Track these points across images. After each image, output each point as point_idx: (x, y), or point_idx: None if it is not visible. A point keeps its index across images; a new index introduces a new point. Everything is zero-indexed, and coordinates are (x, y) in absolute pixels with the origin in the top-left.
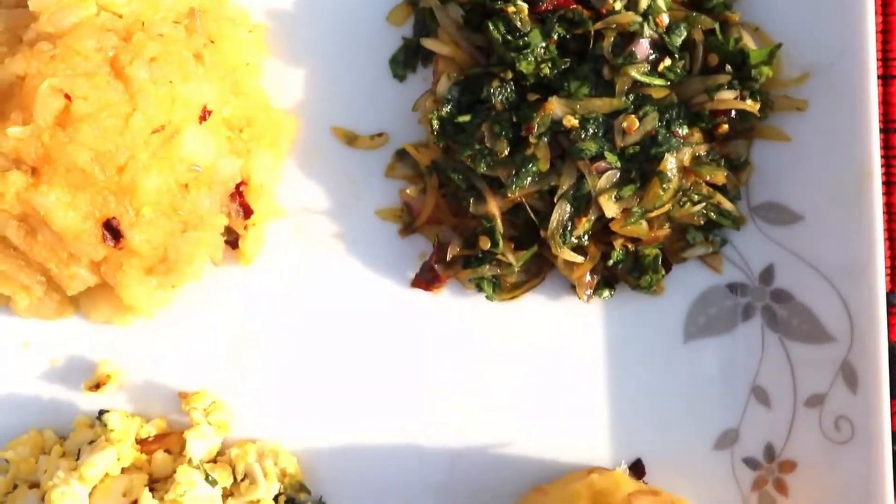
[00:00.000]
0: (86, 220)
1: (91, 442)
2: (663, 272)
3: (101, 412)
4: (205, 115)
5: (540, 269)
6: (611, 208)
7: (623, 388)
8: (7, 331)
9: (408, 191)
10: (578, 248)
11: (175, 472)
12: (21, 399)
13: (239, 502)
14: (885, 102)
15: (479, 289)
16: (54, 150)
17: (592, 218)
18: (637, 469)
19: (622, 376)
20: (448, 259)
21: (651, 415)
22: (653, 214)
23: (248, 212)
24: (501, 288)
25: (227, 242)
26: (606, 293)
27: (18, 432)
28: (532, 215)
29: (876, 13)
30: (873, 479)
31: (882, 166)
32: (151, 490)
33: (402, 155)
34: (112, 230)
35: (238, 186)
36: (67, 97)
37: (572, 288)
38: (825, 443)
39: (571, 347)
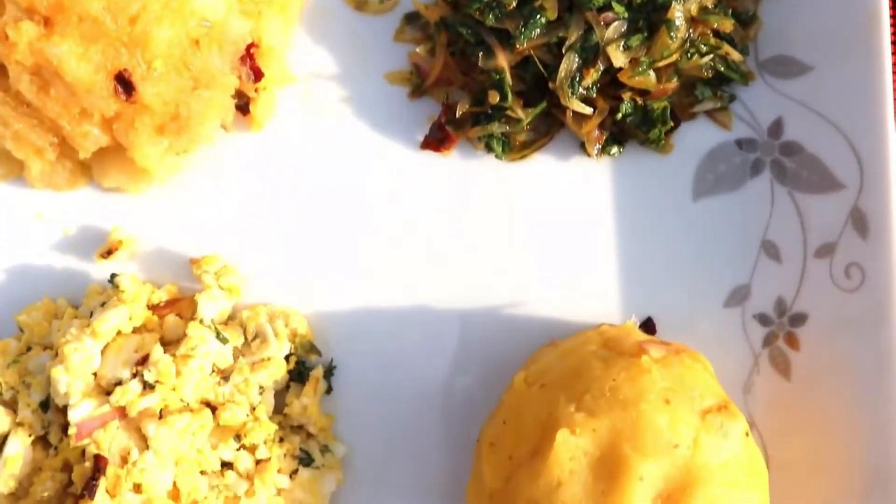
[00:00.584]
0: (98, 71)
1: (103, 304)
2: (672, 124)
3: (113, 275)
4: None
5: (549, 129)
6: (619, 58)
7: (633, 246)
8: (20, 202)
9: (417, 50)
10: (587, 102)
11: (187, 332)
12: (34, 269)
13: (250, 360)
14: None
15: (489, 149)
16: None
17: (601, 68)
18: (648, 327)
19: (632, 235)
20: (458, 116)
21: (661, 273)
22: (661, 64)
23: (258, 75)
24: (511, 147)
25: (237, 108)
26: (615, 149)
27: (32, 301)
28: (541, 68)
29: None
30: (884, 322)
31: (890, 9)
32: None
33: (410, 18)
34: (124, 83)
35: (248, 48)
36: None
37: (581, 147)
38: (836, 292)
39: (581, 207)
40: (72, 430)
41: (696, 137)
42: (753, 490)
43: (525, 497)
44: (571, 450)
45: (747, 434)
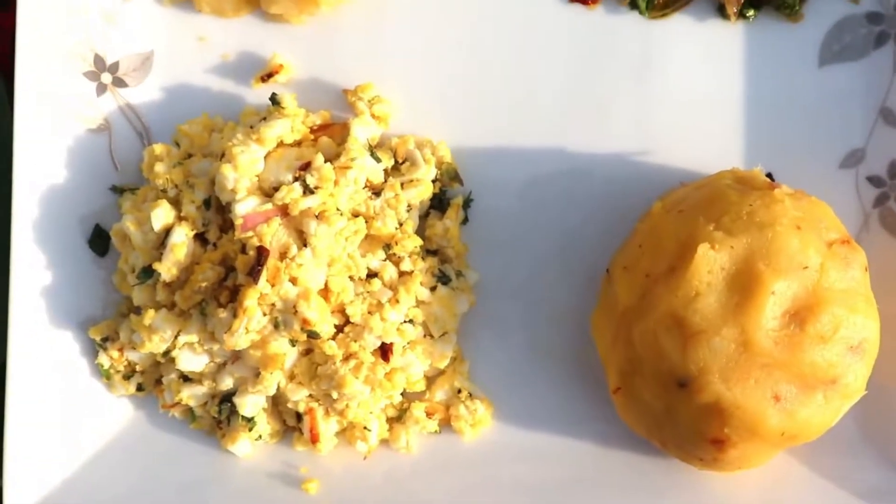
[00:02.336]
0: None
1: (263, 119)
2: None
3: (274, 94)
4: None
5: None
6: None
7: (758, 106)
8: (184, 26)
9: None
10: None
11: (339, 153)
12: (193, 90)
13: (399, 180)
14: None
15: (633, 6)
16: None
17: None
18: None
19: (758, 95)
20: None
21: (783, 133)
22: None
23: None
24: (654, 5)
25: None
26: (752, 13)
27: (190, 117)
28: None
29: None
30: None
31: None
32: None
33: None
34: None
35: None
36: None
37: (718, 10)
38: None
39: (713, 66)
40: (238, 222)
41: (826, 8)
42: (870, 318)
43: (663, 307)
44: (710, 263)
45: (866, 269)
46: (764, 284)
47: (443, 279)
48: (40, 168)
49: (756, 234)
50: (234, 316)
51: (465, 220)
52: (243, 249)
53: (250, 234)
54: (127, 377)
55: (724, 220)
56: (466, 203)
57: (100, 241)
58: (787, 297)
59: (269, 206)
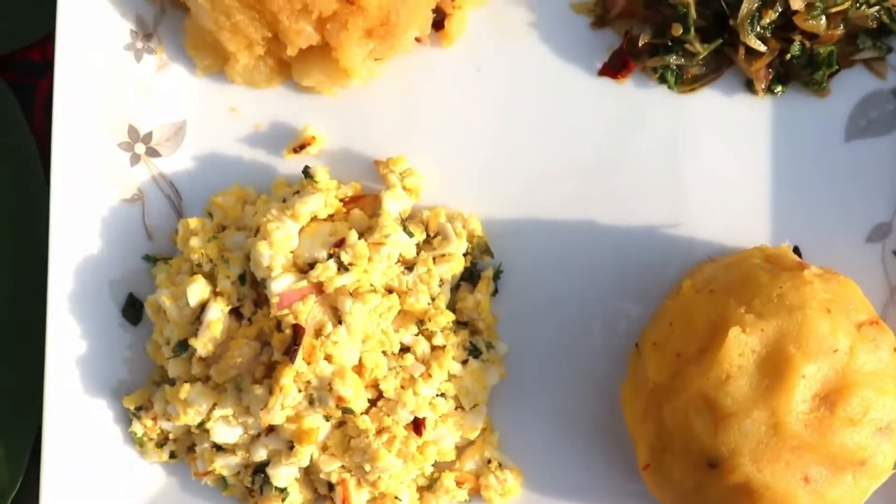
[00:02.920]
0: None
1: (296, 193)
2: (836, 68)
3: (307, 167)
4: None
5: (719, 65)
6: (797, 1)
7: (786, 180)
8: (217, 96)
9: None
10: (762, 40)
11: (371, 226)
12: (225, 159)
13: (431, 254)
14: None
15: (662, 80)
16: None
17: (779, 10)
18: (795, 254)
19: (785, 169)
20: (639, 47)
21: (810, 206)
22: (833, 10)
23: None
24: (683, 80)
25: (433, 23)
26: (779, 88)
27: (222, 188)
28: (724, 5)
29: None
30: None
31: None
32: None
33: None
34: None
35: None
36: None
37: (747, 86)
38: None
39: (740, 140)
40: (273, 300)
41: (852, 83)
42: None
43: (694, 388)
44: (741, 346)
45: (895, 349)
46: (794, 368)
47: (474, 352)
48: (75, 237)
49: (786, 317)
50: (270, 393)
51: (496, 292)
52: (279, 326)
53: (286, 311)
54: (160, 444)
55: (755, 303)
56: (496, 275)
57: (133, 310)
58: (818, 380)
59: (304, 283)
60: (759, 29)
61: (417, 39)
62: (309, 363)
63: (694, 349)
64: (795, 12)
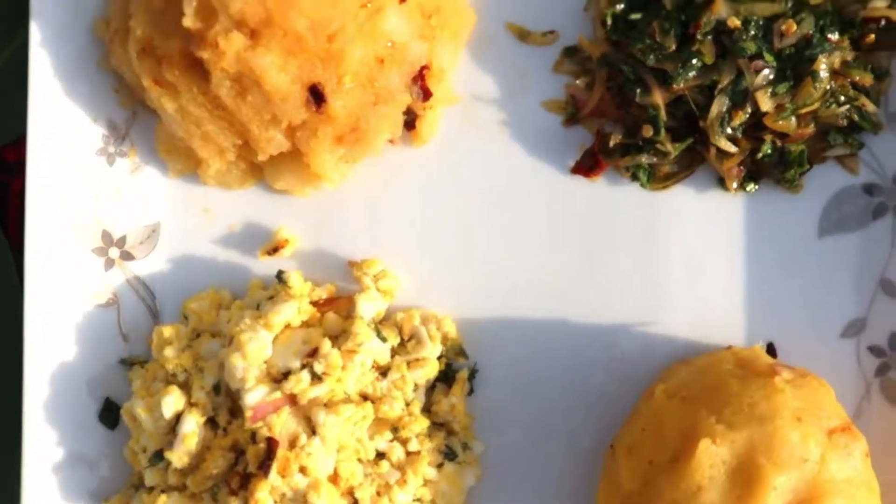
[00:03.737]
0: (294, 83)
1: (270, 298)
2: (807, 167)
3: (280, 272)
4: None
5: (691, 163)
6: (766, 103)
7: (759, 277)
8: (190, 197)
9: (577, 82)
10: (732, 141)
11: (346, 329)
12: (200, 261)
13: (405, 360)
14: None
15: (635, 178)
16: (276, 14)
17: (748, 111)
18: (770, 352)
19: (759, 266)
20: (611, 146)
21: (784, 303)
22: (803, 111)
23: (427, 94)
24: (655, 178)
25: (405, 124)
26: (752, 186)
27: (197, 290)
28: (693, 107)
29: None
30: None
31: None
32: None
33: (569, 52)
34: (316, 94)
35: (421, 70)
36: None
37: (719, 182)
38: None
39: (714, 236)
40: (248, 413)
41: (825, 180)
42: None
43: (666, 499)
44: (712, 458)
45: (866, 455)
46: (765, 479)
47: (449, 455)
48: (50, 341)
49: (757, 427)
50: None
51: (471, 392)
52: (253, 438)
53: (260, 424)
54: None
55: (726, 413)
56: (472, 375)
57: (110, 414)
58: (788, 491)
59: (278, 394)
60: (729, 130)
61: (390, 141)
62: (284, 476)
63: (666, 458)
64: (765, 113)
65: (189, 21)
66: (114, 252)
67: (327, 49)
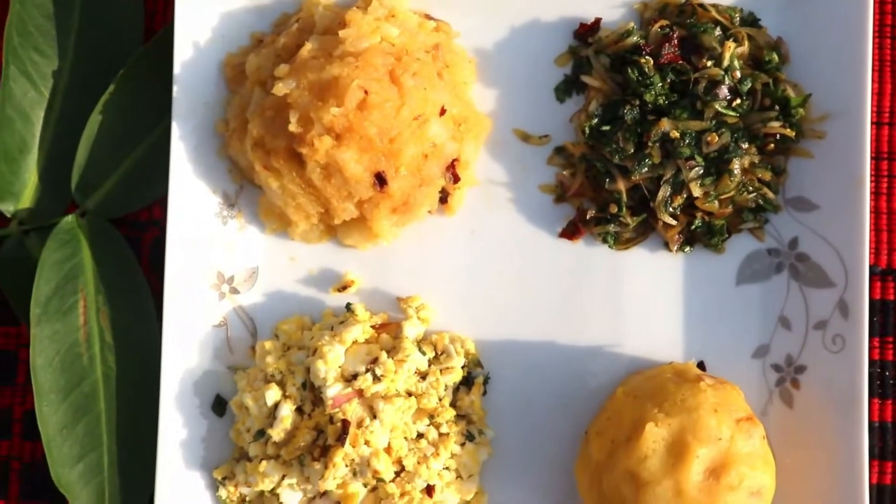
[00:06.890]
0: (365, 171)
1: (341, 322)
2: (727, 235)
3: (349, 304)
4: (442, 112)
5: (645, 231)
6: (697, 191)
7: (694, 313)
8: (282, 249)
9: (564, 172)
10: (674, 217)
11: (396, 345)
12: (287, 295)
13: (438, 368)
14: (876, 138)
15: (604, 241)
16: (355, 124)
17: (684, 196)
18: (700, 366)
19: (693, 306)
20: (587, 218)
21: (711, 333)
22: (723, 197)
23: (456, 179)
24: (619, 241)
25: (440, 200)
26: (688, 248)
27: (285, 317)
28: (646, 192)
29: (873, 80)
30: (855, 377)
31: (871, 177)
32: None
33: (559, 150)
34: (380, 179)
35: (453, 161)
36: (365, 92)
37: (665, 245)
38: (825, 353)
39: (662, 285)
40: (328, 402)
41: (740, 244)
42: (766, 473)
43: (622, 466)
44: (654, 436)
45: (764, 438)
46: (691, 451)
47: (469, 437)
48: (179, 354)
49: (686, 415)
50: (325, 468)
51: (485, 393)
52: (331, 420)
53: (337, 410)
54: None
55: (665, 406)
56: (486, 381)
57: (219, 406)
58: (707, 459)
59: (349, 389)
60: (671, 209)
61: (429, 211)
62: (353, 446)
63: (623, 437)
64: (697, 198)
65: (293, 127)
66: (225, 287)
67: (389, 148)
